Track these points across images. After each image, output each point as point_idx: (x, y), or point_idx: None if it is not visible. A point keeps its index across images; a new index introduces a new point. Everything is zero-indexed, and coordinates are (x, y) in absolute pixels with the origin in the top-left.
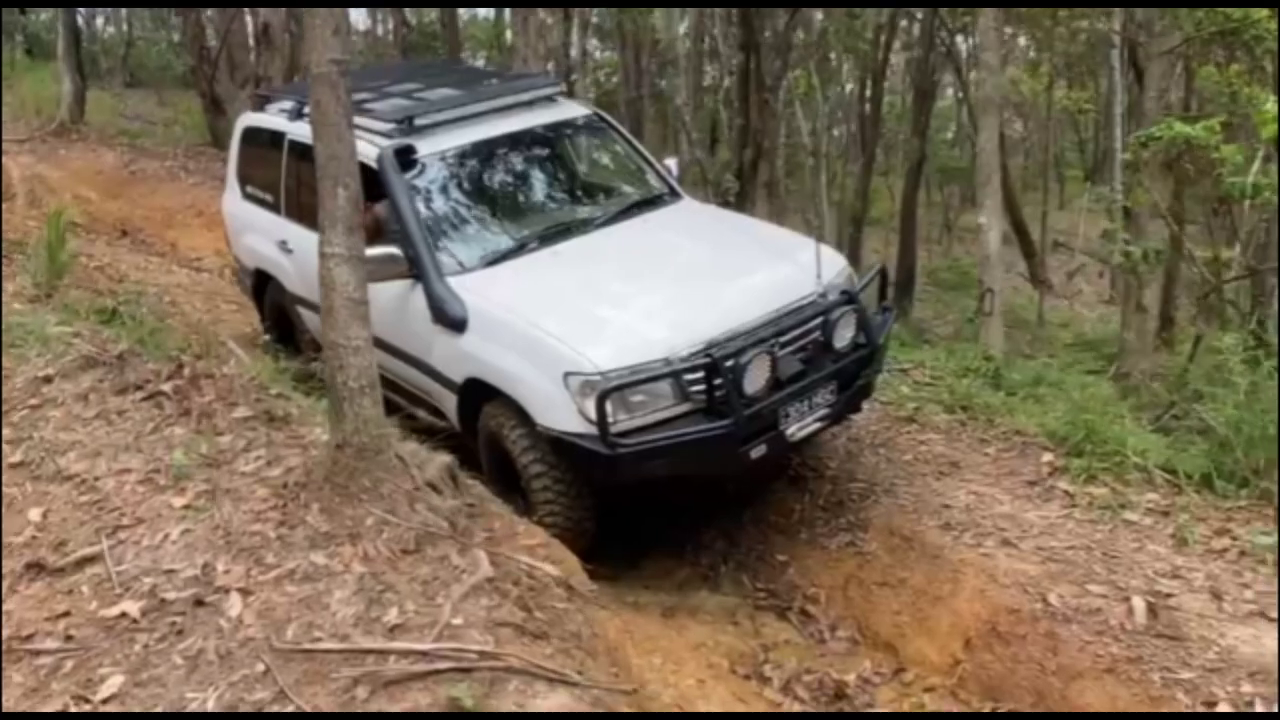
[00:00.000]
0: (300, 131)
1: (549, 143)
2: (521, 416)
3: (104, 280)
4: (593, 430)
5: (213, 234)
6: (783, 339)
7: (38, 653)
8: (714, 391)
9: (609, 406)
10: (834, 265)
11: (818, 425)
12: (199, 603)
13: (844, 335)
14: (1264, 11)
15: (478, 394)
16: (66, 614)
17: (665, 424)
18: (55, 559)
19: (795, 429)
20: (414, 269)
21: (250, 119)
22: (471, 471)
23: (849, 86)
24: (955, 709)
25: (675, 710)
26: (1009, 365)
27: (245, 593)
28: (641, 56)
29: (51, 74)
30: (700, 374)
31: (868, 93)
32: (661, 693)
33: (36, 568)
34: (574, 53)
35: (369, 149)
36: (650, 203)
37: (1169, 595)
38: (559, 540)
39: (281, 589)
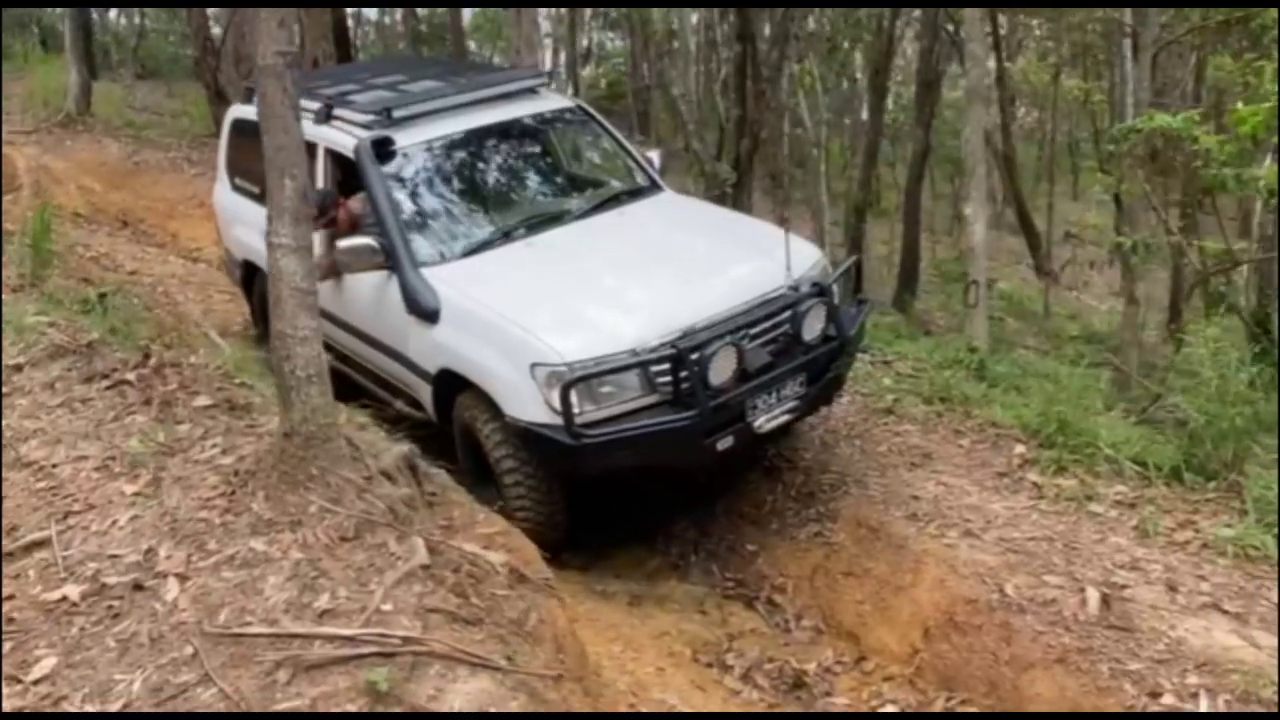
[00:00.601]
0: None
1: (530, 134)
2: (492, 408)
3: (97, 270)
4: (559, 421)
5: (213, 224)
6: (751, 331)
7: None
8: (680, 383)
9: (574, 397)
10: (807, 258)
11: (786, 417)
12: (138, 587)
13: (813, 327)
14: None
15: (451, 385)
16: (11, 597)
17: (632, 415)
18: (5, 544)
19: (763, 421)
20: (389, 260)
21: (239, 110)
22: (446, 463)
23: (859, 77)
24: (912, 698)
25: (628, 694)
26: (994, 357)
27: (183, 578)
28: (650, 47)
29: (62, 66)
30: (666, 365)
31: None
32: (617, 679)
33: None
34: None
35: (347, 140)
36: (630, 195)
37: (1124, 587)
38: (530, 532)
39: (219, 575)
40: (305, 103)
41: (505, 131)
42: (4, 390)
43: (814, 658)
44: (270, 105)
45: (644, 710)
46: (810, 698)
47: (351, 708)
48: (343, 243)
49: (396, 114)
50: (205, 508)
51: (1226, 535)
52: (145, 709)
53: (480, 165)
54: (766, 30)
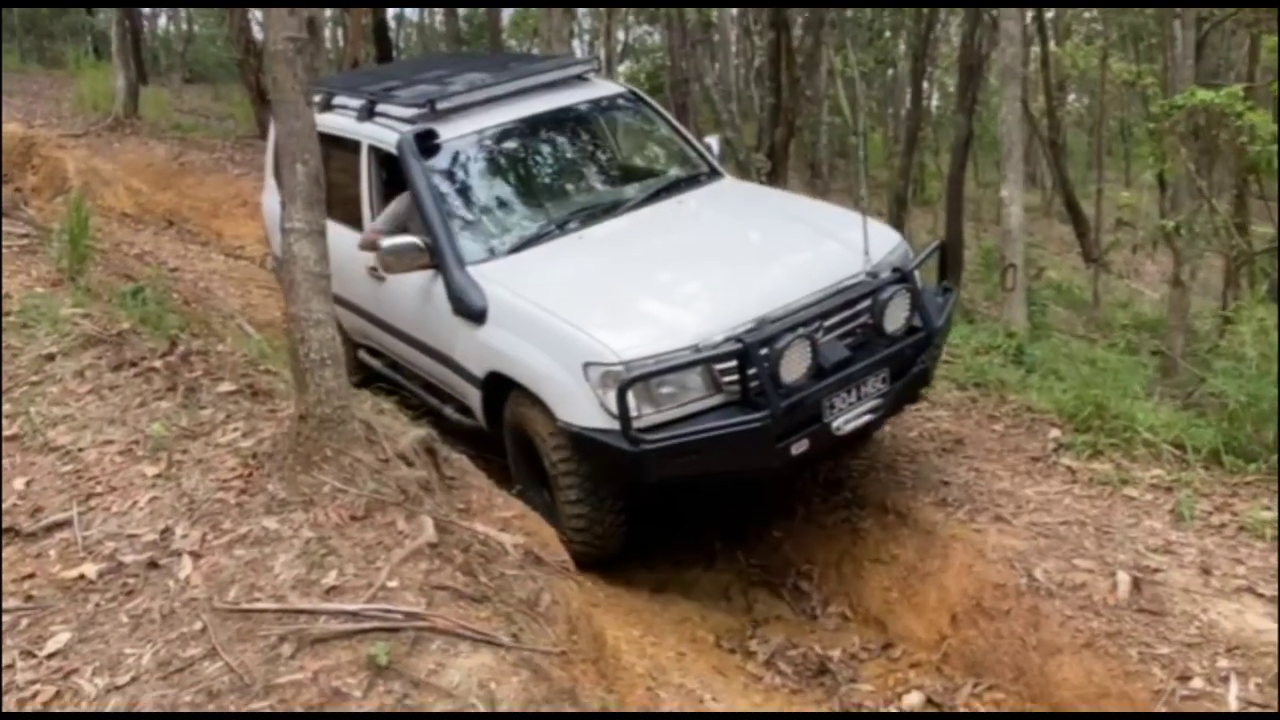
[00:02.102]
0: (328, 123)
1: (580, 123)
2: (545, 413)
3: (140, 267)
4: (615, 425)
5: (256, 223)
6: (826, 322)
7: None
8: (748, 381)
9: (631, 399)
10: (886, 242)
11: (868, 417)
12: (153, 565)
13: (896, 317)
14: None
15: (501, 389)
16: (31, 575)
17: (695, 418)
18: (29, 524)
19: (842, 422)
20: (434, 258)
21: None
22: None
23: (899, 65)
24: (939, 685)
25: (646, 678)
26: (1033, 342)
27: (197, 556)
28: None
29: (111, 72)
30: (733, 362)
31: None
32: (635, 663)
33: (11, 533)
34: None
35: (389, 135)
36: (688, 182)
37: (1156, 570)
38: (587, 544)
39: (231, 553)
40: (348, 100)
41: (553, 120)
42: (35, 379)
43: (839, 644)
44: (282, 90)
45: (663, 693)
46: (834, 684)
47: (352, 681)
48: (386, 242)
49: (440, 106)
50: (222, 489)
51: (1264, 518)
52: (153, 681)
53: (528, 156)
54: (801, 18)
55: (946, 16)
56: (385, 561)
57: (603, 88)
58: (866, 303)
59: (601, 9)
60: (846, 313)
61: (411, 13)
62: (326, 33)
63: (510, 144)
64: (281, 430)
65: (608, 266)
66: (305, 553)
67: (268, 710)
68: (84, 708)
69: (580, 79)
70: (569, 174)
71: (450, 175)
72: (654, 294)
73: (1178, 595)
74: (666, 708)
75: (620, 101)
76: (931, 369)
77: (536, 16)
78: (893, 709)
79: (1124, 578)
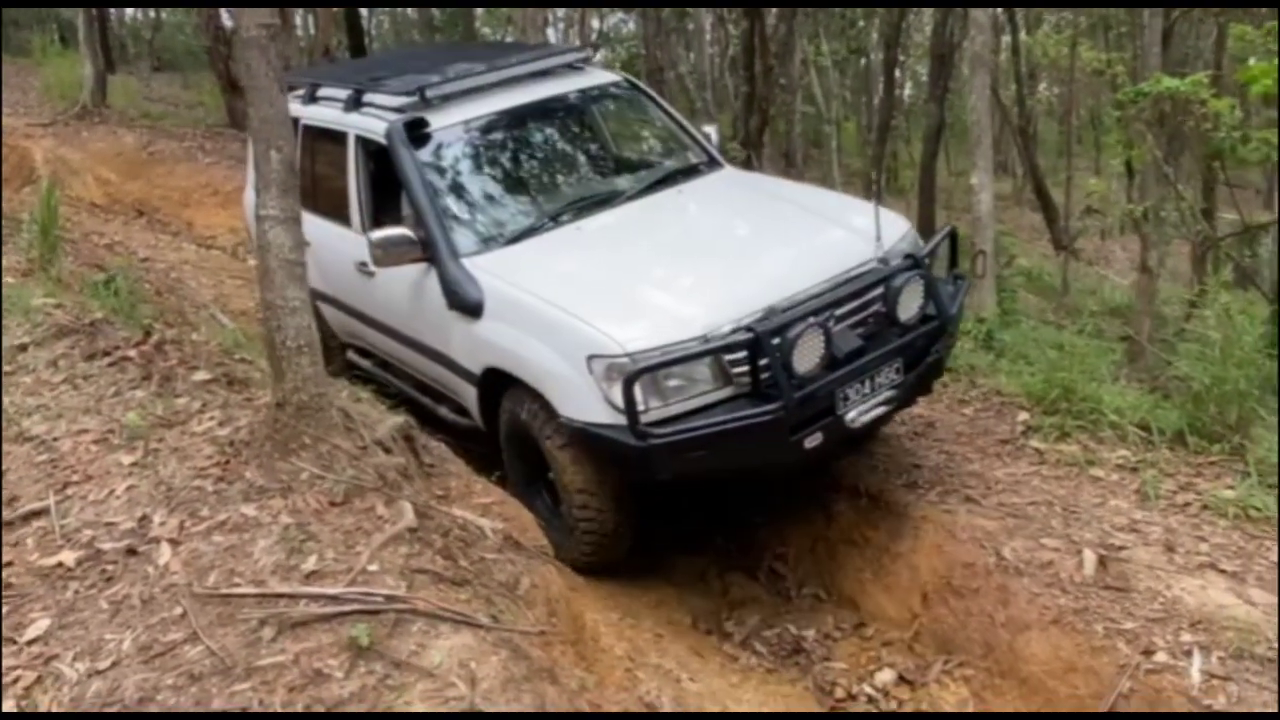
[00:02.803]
0: (313, 115)
1: (574, 112)
2: (547, 409)
3: (110, 258)
4: (621, 420)
5: (227, 212)
6: (838, 311)
7: None
8: (759, 372)
9: (638, 392)
10: (895, 229)
11: (882, 409)
12: (131, 552)
13: (910, 306)
14: None
15: (499, 386)
16: (9, 564)
17: (704, 411)
18: (5, 514)
19: (856, 414)
20: (427, 251)
21: None
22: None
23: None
24: (910, 662)
25: (624, 659)
26: (1002, 327)
27: (175, 543)
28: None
29: (78, 60)
30: (743, 352)
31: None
32: (614, 645)
33: None
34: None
35: (377, 125)
36: (687, 172)
37: (1122, 548)
38: (594, 545)
39: (210, 539)
40: (334, 91)
41: (548, 109)
42: (8, 369)
43: (813, 624)
44: (255, 77)
45: (642, 674)
46: (809, 663)
47: (334, 662)
48: (375, 234)
49: (430, 94)
50: (200, 476)
51: (1227, 497)
52: (134, 666)
53: (523, 146)
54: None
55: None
56: (365, 546)
57: (598, 76)
58: (878, 291)
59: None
60: (858, 301)
61: None
62: (297, 20)
63: (504, 133)
64: (258, 418)
65: (609, 257)
66: (284, 538)
67: (249, 689)
68: (65, 692)
69: (574, 68)
70: (565, 164)
71: (442, 165)
72: (658, 284)
73: (1142, 572)
74: (645, 688)
75: (616, 90)
76: (944, 360)
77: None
78: (866, 686)
79: (1090, 556)
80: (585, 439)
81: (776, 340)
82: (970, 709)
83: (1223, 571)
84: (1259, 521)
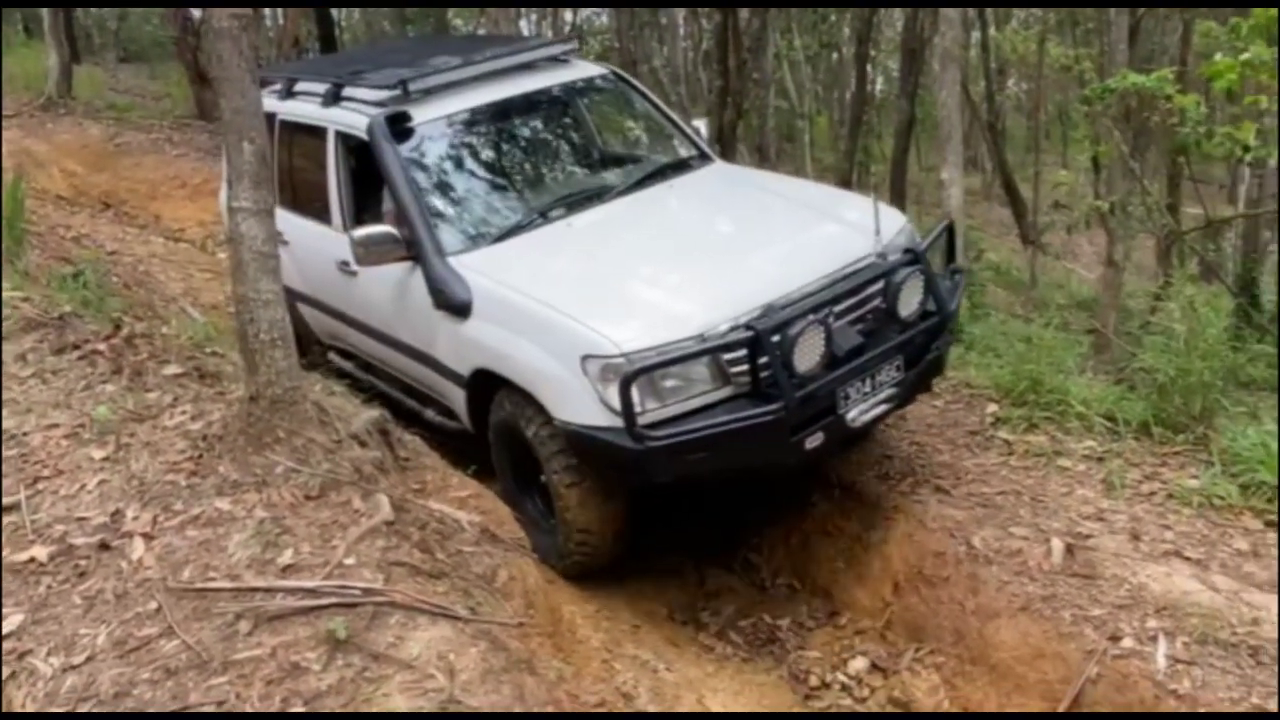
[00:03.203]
0: (290, 110)
1: (561, 105)
2: (540, 411)
3: (78, 251)
4: (618, 422)
5: (196, 205)
6: (838, 308)
7: None
8: (758, 371)
9: (635, 393)
10: (892, 223)
11: (883, 407)
12: (104, 547)
13: (910, 301)
14: None
15: (488, 387)
16: None
17: (703, 412)
18: None
19: (857, 413)
20: (411, 249)
21: None
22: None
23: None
24: (883, 650)
25: (601, 650)
26: (971, 320)
27: (148, 537)
28: (634, 21)
29: (43, 50)
30: (742, 351)
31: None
32: (591, 636)
33: None
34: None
35: (358, 120)
36: (678, 166)
37: (1089, 537)
38: (589, 549)
39: (183, 534)
40: (312, 85)
41: (534, 103)
42: None
43: (788, 614)
44: (226, 68)
45: (618, 664)
46: (783, 652)
47: (311, 655)
48: (358, 232)
49: (413, 87)
50: (172, 471)
51: (1191, 486)
52: (109, 660)
53: (509, 141)
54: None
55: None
56: (341, 540)
57: (584, 69)
58: (877, 286)
59: None
60: (858, 297)
61: None
62: (265, 10)
63: (489, 127)
64: (231, 412)
65: (601, 254)
66: (259, 532)
67: (226, 683)
68: (40, 687)
69: (559, 60)
70: (553, 159)
71: (426, 161)
72: (652, 281)
73: (1109, 560)
74: (622, 678)
75: (604, 84)
76: (945, 356)
77: None
78: (839, 674)
79: (1058, 544)
80: (580, 442)
81: (777, 338)
82: (941, 695)
83: (1187, 559)
84: (1222, 510)
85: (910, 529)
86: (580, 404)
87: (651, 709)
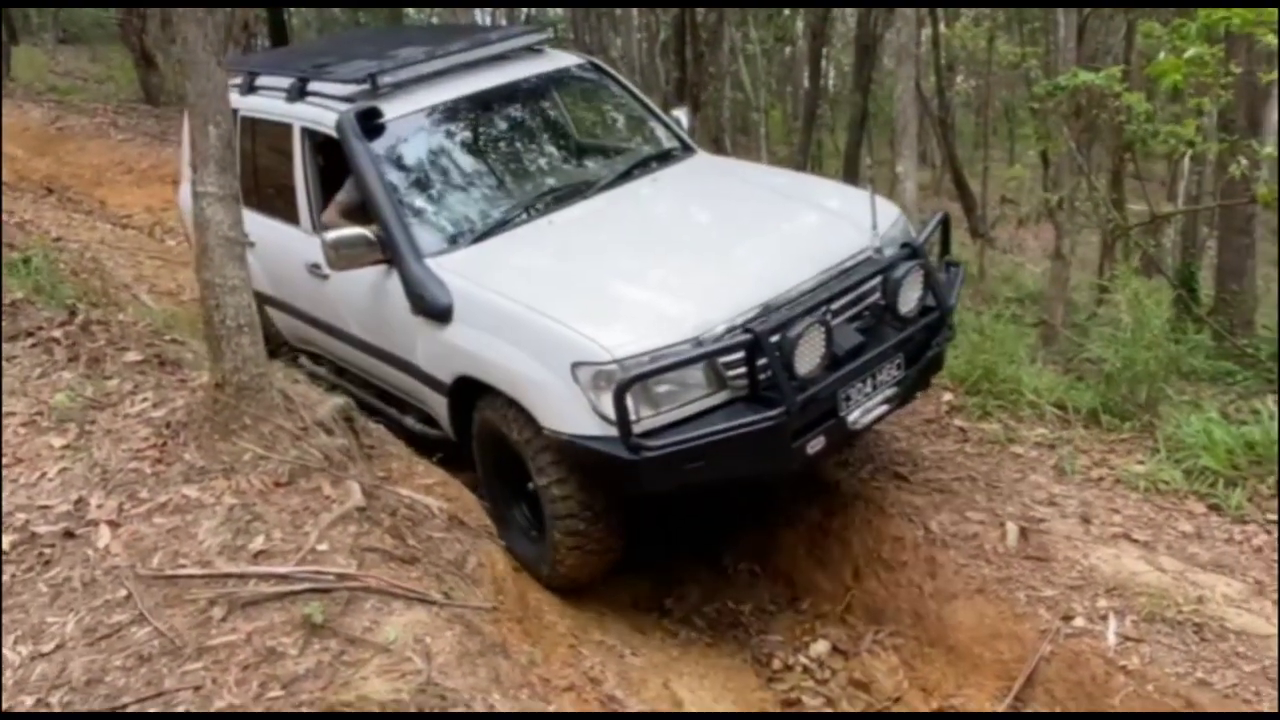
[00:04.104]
0: (252, 106)
1: (539, 97)
2: (529, 419)
3: (21, 237)
4: (611, 431)
5: (142, 190)
6: (835, 305)
7: None
8: (756, 374)
9: (629, 401)
10: (886, 216)
11: (884, 408)
12: (69, 535)
13: (910, 297)
14: None
15: (471, 394)
16: None
17: (699, 418)
18: None
19: (858, 415)
20: (387, 252)
21: None
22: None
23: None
24: (844, 633)
25: (569, 635)
26: None
27: (115, 525)
28: (590, 13)
29: None
30: (740, 354)
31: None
32: (558, 622)
33: None
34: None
35: (327, 116)
36: (660, 159)
37: (1041, 520)
38: (581, 561)
39: (151, 521)
40: (275, 80)
41: (510, 95)
42: None
43: (750, 600)
44: (192, 51)
45: (585, 650)
46: (746, 636)
47: (287, 640)
48: (330, 235)
49: (383, 81)
50: (136, 458)
51: (1138, 471)
52: (79, 649)
53: (485, 135)
54: None
55: None
56: (313, 526)
57: (559, 59)
58: (875, 282)
59: None
60: (855, 294)
61: None
62: None
63: (463, 122)
64: (195, 399)
65: (585, 253)
66: (229, 519)
67: (201, 669)
68: (9, 675)
69: (533, 50)
70: (531, 153)
71: (398, 158)
72: (641, 281)
73: (1061, 543)
74: (589, 662)
75: (580, 73)
76: (945, 352)
77: None
78: (801, 657)
79: (1012, 528)
80: (572, 452)
81: (776, 339)
82: (900, 676)
83: (1135, 541)
84: (1167, 494)
85: (869, 515)
86: (571, 413)
87: (619, 693)
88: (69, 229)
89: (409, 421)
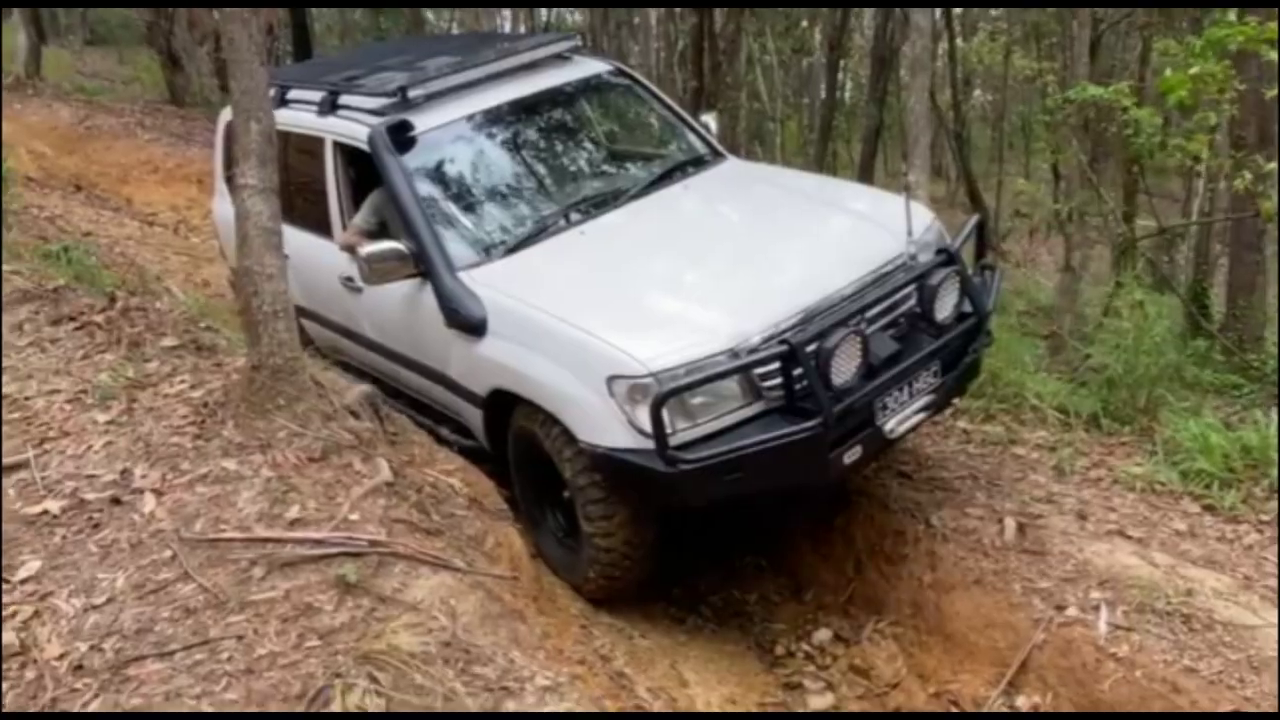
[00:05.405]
0: (284, 120)
1: (569, 105)
2: (565, 431)
3: (54, 230)
4: (648, 444)
5: (168, 190)
6: (871, 313)
7: None
8: (793, 384)
9: (666, 414)
10: (920, 221)
11: (921, 416)
12: (116, 501)
13: (946, 303)
14: None
15: (506, 406)
16: None
17: (735, 430)
18: None
19: (895, 423)
20: (420, 265)
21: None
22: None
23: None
24: (845, 623)
25: (580, 617)
26: None
27: (159, 493)
28: (610, 20)
29: (9, 30)
30: (776, 365)
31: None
32: (570, 605)
33: None
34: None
35: (358, 130)
36: (691, 165)
37: (1039, 517)
38: (616, 573)
39: (193, 490)
40: (306, 93)
41: (539, 104)
42: None
43: (755, 590)
44: (237, 50)
45: (596, 630)
46: (750, 624)
47: (323, 597)
48: (365, 249)
49: (413, 94)
50: (177, 434)
51: (1135, 472)
52: (130, 601)
53: (515, 145)
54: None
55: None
56: (345, 498)
57: (588, 66)
58: (911, 288)
59: None
60: (890, 300)
61: None
62: None
63: (493, 132)
64: (230, 381)
65: (618, 263)
66: (266, 490)
67: (244, 620)
68: (64, 625)
69: (562, 58)
70: (562, 163)
71: (430, 170)
72: (674, 291)
73: (1057, 538)
74: (599, 642)
75: (609, 80)
76: (981, 359)
77: None
78: (804, 645)
79: (1010, 523)
80: (608, 464)
81: (812, 349)
82: (899, 663)
83: (1129, 537)
84: (1163, 494)
85: (872, 510)
86: (607, 425)
87: (628, 670)
88: (98, 224)
89: (444, 431)
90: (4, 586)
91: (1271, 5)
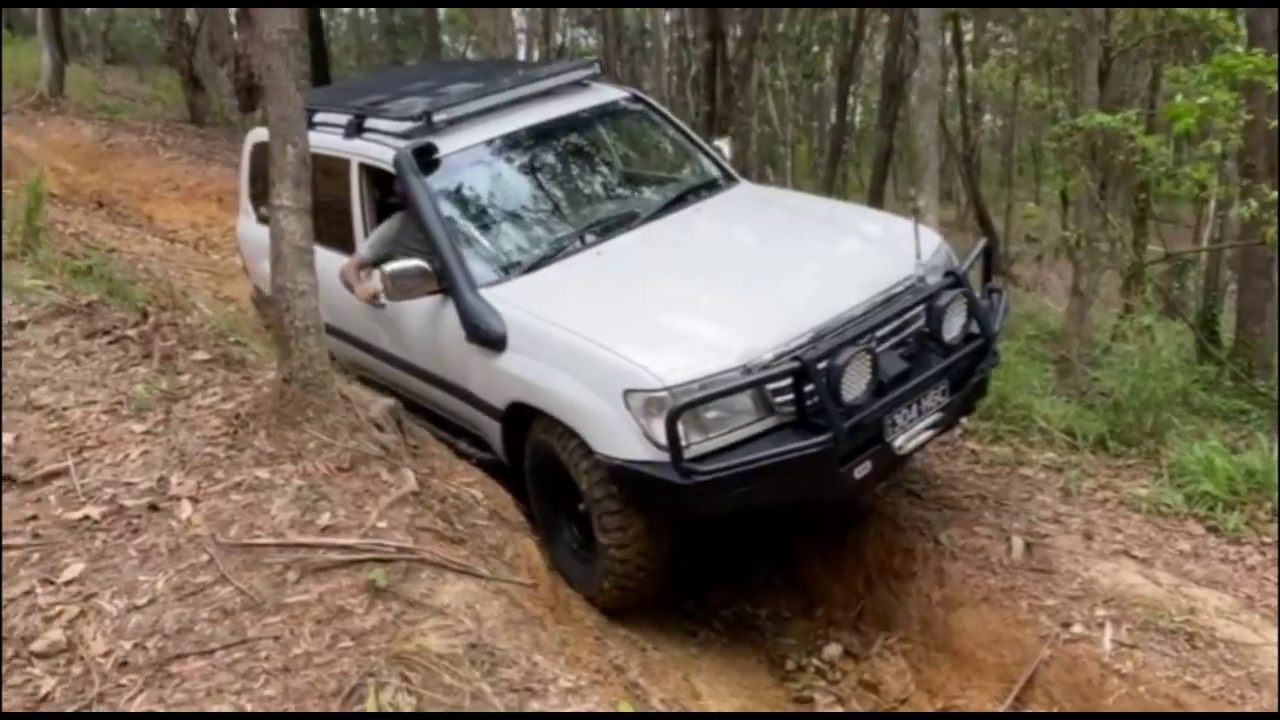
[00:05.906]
0: (313, 142)
1: (586, 130)
2: (581, 444)
3: (79, 246)
4: (663, 456)
5: (189, 208)
6: (880, 333)
7: (8, 548)
8: (804, 400)
9: (681, 428)
10: (929, 244)
11: (929, 434)
12: (154, 508)
13: (954, 324)
14: (1222, 13)
15: (524, 420)
16: (34, 518)
17: (747, 444)
18: (24, 474)
19: (904, 440)
20: (442, 282)
21: (260, 134)
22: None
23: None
24: (855, 639)
25: (595, 629)
26: None
27: (195, 500)
28: (622, 44)
29: (33, 49)
30: (788, 381)
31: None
32: (585, 616)
33: (7, 480)
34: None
35: (384, 152)
36: (705, 189)
37: (1046, 536)
38: (630, 586)
39: (228, 498)
40: (332, 116)
41: (559, 129)
42: (9, 344)
43: (767, 604)
44: (276, 77)
45: (610, 642)
46: (762, 639)
47: (354, 600)
48: (390, 266)
49: (437, 118)
50: (211, 444)
51: (1141, 494)
52: (170, 603)
53: (535, 168)
54: (737, 29)
55: (871, 35)
56: (373, 506)
57: (606, 93)
58: (919, 309)
59: (538, 9)
60: (899, 321)
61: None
62: None
63: (514, 156)
64: (261, 394)
65: (634, 282)
66: (298, 498)
67: (279, 622)
68: (107, 625)
69: (580, 84)
70: (580, 185)
71: (453, 192)
72: (690, 309)
73: (1064, 557)
74: (614, 653)
75: (626, 106)
76: (989, 379)
77: (470, 11)
78: (814, 659)
79: (1018, 542)
80: (624, 476)
81: (823, 366)
82: (908, 678)
83: (1134, 557)
84: (1169, 516)
85: (883, 529)
86: (623, 438)
87: (642, 681)
88: (121, 241)
89: (463, 445)
90: (50, 588)
91: (1272, 5)
